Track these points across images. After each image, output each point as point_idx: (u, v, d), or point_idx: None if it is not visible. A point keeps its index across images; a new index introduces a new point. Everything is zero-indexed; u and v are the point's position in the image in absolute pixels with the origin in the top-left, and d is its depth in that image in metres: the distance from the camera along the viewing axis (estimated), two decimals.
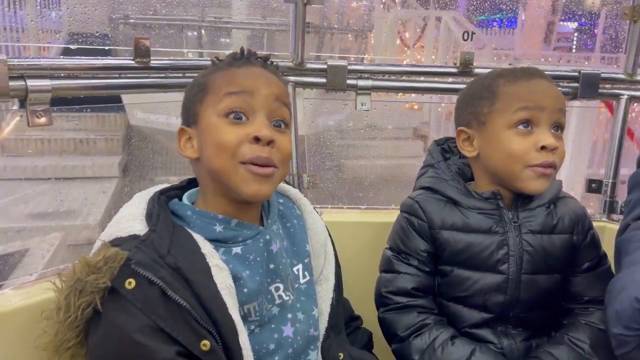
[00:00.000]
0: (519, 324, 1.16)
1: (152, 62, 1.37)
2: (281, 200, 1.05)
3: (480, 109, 1.14)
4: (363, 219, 1.62)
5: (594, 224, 1.64)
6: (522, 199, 1.15)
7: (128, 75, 1.36)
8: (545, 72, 1.13)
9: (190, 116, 0.95)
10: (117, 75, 1.35)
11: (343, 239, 1.38)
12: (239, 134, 0.88)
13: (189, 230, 0.89)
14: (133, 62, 1.36)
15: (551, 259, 1.14)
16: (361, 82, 1.62)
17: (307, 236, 1.04)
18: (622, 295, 0.76)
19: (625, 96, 1.67)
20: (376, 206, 1.76)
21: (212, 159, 0.90)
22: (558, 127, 1.09)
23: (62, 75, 1.26)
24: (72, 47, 3.75)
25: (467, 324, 1.17)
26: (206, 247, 0.86)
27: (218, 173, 0.90)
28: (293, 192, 1.09)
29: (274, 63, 1.00)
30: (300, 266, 1.01)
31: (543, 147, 1.06)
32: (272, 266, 0.94)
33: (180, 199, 0.96)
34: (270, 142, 0.89)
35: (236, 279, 0.87)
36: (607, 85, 1.68)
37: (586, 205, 1.75)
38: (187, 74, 1.43)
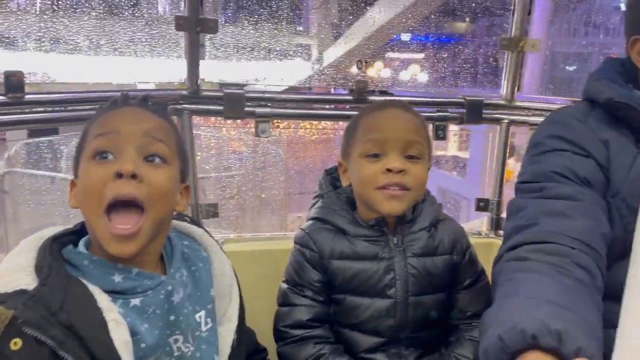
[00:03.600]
0: (410, 344, 1.21)
1: (27, 96, 1.28)
2: (186, 242, 1.01)
3: (347, 140, 1.23)
4: (267, 247, 1.60)
5: (482, 240, 1.76)
6: (405, 224, 1.21)
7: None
8: (409, 104, 1.26)
9: (75, 167, 0.92)
10: None
11: (247, 269, 1.35)
12: (104, 174, 0.85)
13: (85, 281, 0.83)
14: (5, 98, 1.26)
15: (435, 280, 1.20)
16: (259, 110, 1.61)
17: (212, 280, 1.01)
18: (489, 332, 0.79)
19: (506, 120, 1.80)
20: (280, 233, 1.75)
21: (83, 208, 0.87)
22: (411, 155, 1.16)
23: None
24: None
25: (362, 349, 1.20)
26: (103, 301, 0.81)
27: (89, 225, 0.86)
28: (198, 233, 1.05)
29: (163, 105, 0.99)
30: (202, 313, 0.97)
31: (389, 170, 1.13)
32: (172, 318, 0.90)
33: (76, 245, 0.90)
34: (135, 176, 0.85)
35: (134, 333, 0.83)
36: (489, 111, 1.80)
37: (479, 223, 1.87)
38: (68, 108, 1.34)
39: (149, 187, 0.86)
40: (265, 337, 1.22)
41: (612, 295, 0.93)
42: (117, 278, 0.85)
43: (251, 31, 1.71)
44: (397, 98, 1.78)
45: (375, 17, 2.07)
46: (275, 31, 1.71)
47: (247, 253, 1.56)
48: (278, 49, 1.74)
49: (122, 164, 0.85)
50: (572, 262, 0.92)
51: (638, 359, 0.77)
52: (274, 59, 1.74)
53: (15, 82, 1.24)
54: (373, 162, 1.15)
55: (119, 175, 0.84)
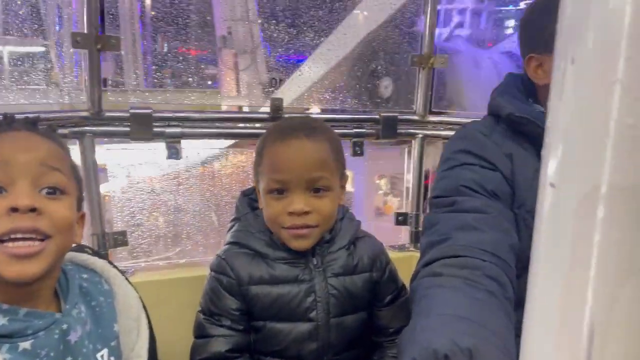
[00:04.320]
0: None
1: None
2: (85, 276, 0.93)
3: (255, 167, 1.19)
4: (181, 274, 1.52)
5: (403, 254, 1.78)
6: (324, 244, 1.18)
7: None
8: (316, 126, 1.17)
9: None
10: None
11: (160, 299, 1.27)
12: None
13: None
14: None
15: (356, 299, 1.18)
16: (169, 130, 1.54)
17: (116, 314, 0.94)
18: (405, 354, 0.79)
19: (420, 135, 1.84)
20: (195, 258, 1.67)
21: None
22: (318, 188, 1.12)
23: None
24: None
25: None
26: None
27: None
28: (99, 264, 0.97)
29: (51, 127, 0.91)
30: (105, 351, 0.90)
31: (291, 212, 1.10)
32: (69, 359, 0.82)
33: None
34: (33, 210, 0.77)
35: None
36: (404, 126, 1.83)
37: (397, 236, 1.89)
38: None
39: (51, 219, 0.79)
40: None
41: (523, 304, 0.96)
42: (2, 320, 0.77)
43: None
44: (308, 116, 1.77)
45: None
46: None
47: (161, 282, 1.48)
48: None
49: (15, 199, 0.76)
50: (482, 274, 0.93)
51: None
52: None
53: None
54: (277, 200, 1.11)
55: (14, 210, 0.76)
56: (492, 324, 0.83)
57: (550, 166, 0.30)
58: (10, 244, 0.76)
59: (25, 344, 0.77)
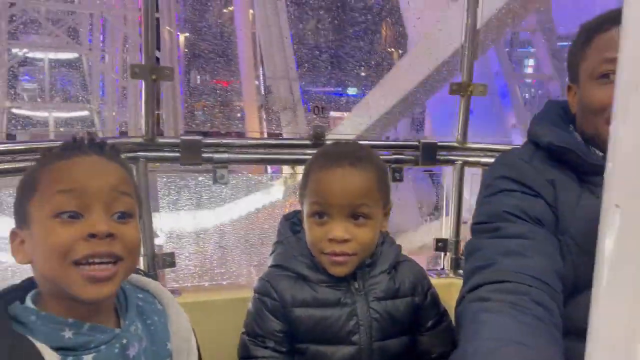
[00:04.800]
0: None
1: None
2: (140, 296, 0.98)
3: (301, 190, 1.23)
4: (225, 296, 1.55)
5: (443, 280, 1.77)
6: (365, 267, 1.20)
7: None
8: (362, 155, 1.20)
9: (21, 217, 0.86)
10: None
11: (204, 320, 1.30)
12: (72, 233, 0.81)
13: (32, 339, 0.78)
14: None
15: (398, 323, 1.19)
16: (217, 156, 1.60)
17: (170, 333, 0.97)
18: None
19: (459, 161, 1.85)
20: (239, 281, 1.71)
21: (42, 265, 0.82)
22: (358, 215, 1.14)
23: None
24: None
25: None
26: None
27: (51, 280, 0.82)
28: (153, 285, 1.02)
29: (114, 147, 0.94)
30: None
31: (331, 239, 1.13)
32: None
33: (23, 301, 0.85)
34: (109, 235, 0.83)
35: None
36: (443, 152, 1.85)
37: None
38: (17, 158, 1.30)
39: (123, 242, 0.84)
40: None
41: (568, 331, 0.95)
42: (68, 334, 0.81)
43: None
44: (355, 142, 1.80)
45: None
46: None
47: (206, 303, 1.52)
48: None
49: (94, 225, 0.81)
50: (530, 299, 0.94)
51: None
52: None
53: None
54: (319, 225, 1.15)
55: (92, 236, 0.81)
56: (542, 349, 0.84)
57: (616, 187, 0.32)
58: (87, 267, 0.81)
59: (88, 357, 0.81)
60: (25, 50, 12.07)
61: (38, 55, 12.34)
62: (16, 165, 1.27)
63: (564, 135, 1.15)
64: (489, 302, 0.95)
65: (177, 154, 1.56)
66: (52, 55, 12.48)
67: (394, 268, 1.23)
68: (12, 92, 11.57)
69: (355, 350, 1.15)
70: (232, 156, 1.62)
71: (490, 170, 1.24)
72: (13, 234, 0.87)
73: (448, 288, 1.66)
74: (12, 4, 11.14)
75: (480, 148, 1.86)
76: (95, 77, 12.50)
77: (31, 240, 0.84)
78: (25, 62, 12.35)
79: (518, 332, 0.85)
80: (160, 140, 1.55)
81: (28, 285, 0.89)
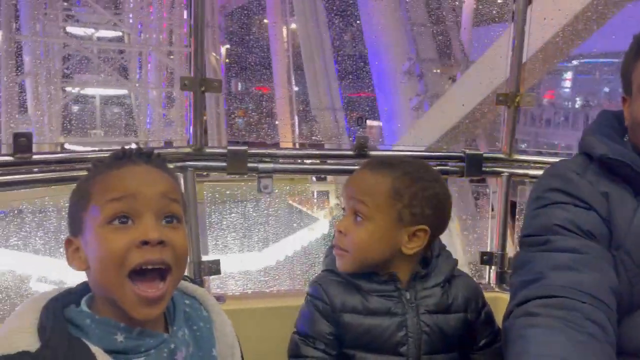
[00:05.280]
0: None
1: (34, 156, 1.30)
2: (187, 302, 1.00)
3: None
4: (270, 304, 1.57)
5: (488, 294, 1.73)
6: (419, 279, 1.19)
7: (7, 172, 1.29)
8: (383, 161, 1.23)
9: (75, 225, 0.89)
10: None
11: (248, 327, 1.32)
12: (125, 240, 0.84)
13: (87, 341, 0.81)
14: (12, 158, 1.28)
15: (449, 339, 1.17)
16: (262, 165, 1.63)
17: (215, 339, 0.99)
18: None
19: (506, 173, 1.81)
20: (282, 289, 1.73)
21: (98, 273, 0.85)
22: (358, 216, 1.15)
23: None
24: None
25: None
26: None
27: (106, 289, 0.85)
28: (200, 292, 1.04)
29: (160, 157, 0.96)
30: None
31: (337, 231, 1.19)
32: None
33: (78, 304, 0.88)
34: (160, 243, 0.85)
35: None
36: (489, 164, 1.82)
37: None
38: (75, 167, 1.36)
39: (174, 250, 0.86)
40: None
41: (621, 351, 0.92)
42: (120, 337, 0.84)
43: None
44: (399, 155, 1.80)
45: None
46: None
47: (249, 310, 1.54)
48: None
49: (146, 232, 0.84)
50: (582, 316, 0.91)
51: None
52: None
53: (22, 144, 1.27)
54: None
55: (145, 243, 0.84)
56: None
57: None
58: (139, 285, 0.83)
59: None
60: (78, 88, 12.67)
61: (90, 92, 12.93)
62: (74, 174, 1.34)
63: (618, 148, 1.12)
64: (538, 318, 0.93)
65: (224, 164, 1.60)
66: (103, 92, 13.06)
67: (448, 282, 1.21)
68: (66, 128, 12.09)
69: None
70: (277, 166, 1.65)
71: (539, 182, 1.21)
72: (68, 242, 0.90)
73: (494, 302, 1.62)
74: (66, 45, 11.77)
75: (528, 160, 1.82)
76: (142, 110, 12.97)
77: (86, 247, 0.87)
78: (78, 99, 12.94)
79: (570, 349, 0.83)
80: (208, 150, 1.59)
81: (83, 289, 0.92)
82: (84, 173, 0.94)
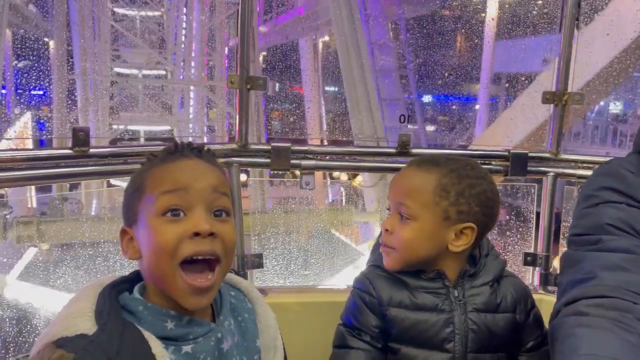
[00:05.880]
0: None
1: (91, 150, 1.35)
2: (232, 293, 1.03)
3: None
4: (311, 299, 1.59)
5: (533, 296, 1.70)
6: (468, 277, 1.18)
7: (67, 164, 1.35)
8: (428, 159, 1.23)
9: (130, 216, 0.93)
10: (54, 165, 1.33)
11: (291, 321, 1.34)
12: (178, 232, 0.86)
13: (140, 327, 0.85)
14: (71, 151, 1.33)
15: (495, 338, 1.16)
16: (305, 162, 1.65)
17: (258, 331, 1.02)
18: None
19: (552, 173, 1.78)
20: (323, 285, 1.75)
21: (151, 262, 0.88)
22: (403, 216, 1.16)
23: None
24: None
25: None
26: (157, 347, 0.83)
27: (158, 278, 0.88)
28: (244, 284, 1.07)
29: (210, 151, 0.99)
30: None
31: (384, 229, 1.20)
32: None
33: (131, 292, 0.92)
34: (211, 234, 0.87)
35: None
36: (534, 164, 1.79)
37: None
38: (129, 161, 1.41)
39: (223, 242, 0.89)
40: None
41: None
42: (170, 325, 0.87)
43: None
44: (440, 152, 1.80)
45: None
46: None
47: (290, 304, 1.56)
48: None
49: (197, 224, 0.86)
50: (635, 317, 0.89)
51: None
52: None
53: (80, 137, 1.32)
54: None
55: (196, 235, 0.86)
56: None
57: None
58: (190, 275, 0.86)
59: (187, 348, 0.87)
60: (125, 124, 13.05)
61: (135, 127, 13.32)
62: (127, 167, 1.39)
63: None
64: (589, 317, 0.91)
65: (267, 160, 1.63)
66: (147, 127, 13.43)
67: (497, 282, 1.20)
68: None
69: (449, 358, 1.13)
70: (319, 163, 1.67)
71: (590, 180, 1.19)
72: (123, 232, 0.93)
73: (538, 304, 1.59)
74: (113, 83, 12.16)
75: (575, 160, 1.78)
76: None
77: (139, 237, 0.90)
78: (124, 135, 13.33)
79: (620, 350, 0.81)
80: (253, 146, 1.62)
81: (135, 277, 0.95)
82: (138, 167, 0.98)
